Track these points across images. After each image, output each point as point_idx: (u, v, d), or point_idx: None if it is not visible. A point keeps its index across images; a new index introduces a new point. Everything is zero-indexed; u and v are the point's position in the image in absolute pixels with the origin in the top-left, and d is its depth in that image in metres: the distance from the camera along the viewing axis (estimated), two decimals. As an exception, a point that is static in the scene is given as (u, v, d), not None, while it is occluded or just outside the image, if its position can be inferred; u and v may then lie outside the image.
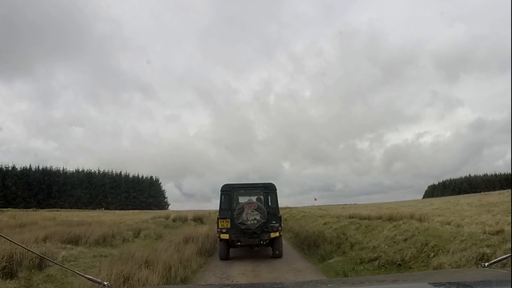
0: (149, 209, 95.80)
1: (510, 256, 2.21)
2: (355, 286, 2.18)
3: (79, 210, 72.82)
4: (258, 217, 11.62)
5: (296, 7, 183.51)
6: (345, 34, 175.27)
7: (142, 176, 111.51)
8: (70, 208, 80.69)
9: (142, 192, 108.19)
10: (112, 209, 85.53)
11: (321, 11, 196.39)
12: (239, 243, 12.19)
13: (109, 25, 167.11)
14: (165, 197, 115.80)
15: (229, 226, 12.01)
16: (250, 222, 11.58)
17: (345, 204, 54.24)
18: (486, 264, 2.23)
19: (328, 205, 73.12)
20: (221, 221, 12.18)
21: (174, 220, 28.21)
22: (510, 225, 9.10)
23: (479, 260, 6.71)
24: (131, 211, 59.65)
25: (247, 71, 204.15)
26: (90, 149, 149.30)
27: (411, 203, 57.39)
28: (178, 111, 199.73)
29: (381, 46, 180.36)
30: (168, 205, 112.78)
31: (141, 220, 28.57)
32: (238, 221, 11.63)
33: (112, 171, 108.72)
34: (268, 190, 12.78)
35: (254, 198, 13.13)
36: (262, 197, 12.89)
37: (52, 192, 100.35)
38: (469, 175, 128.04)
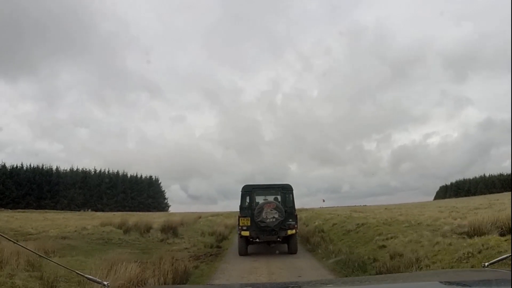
0: (148, 210, 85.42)
1: (510, 256, 2.07)
2: (355, 286, 2.09)
3: (61, 212, 60.85)
4: (276, 216, 11.72)
5: (303, 5, 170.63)
6: (352, 33, 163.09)
7: (141, 176, 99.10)
8: (62, 210, 70.67)
9: (140, 193, 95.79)
10: (107, 211, 76.60)
11: (328, 10, 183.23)
12: (257, 240, 12.13)
13: (115, 24, 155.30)
14: (165, 198, 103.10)
15: (249, 224, 12.03)
16: (269, 220, 11.67)
17: (388, 205, 40.37)
18: (486, 264, 2.05)
19: (337, 206, 63.49)
20: (242, 219, 12.18)
21: (127, 231, 15.13)
22: (511, 224, 8.40)
23: None
24: (112, 213, 47.29)
25: (254, 70, 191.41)
26: (95, 150, 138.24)
27: (443, 203, 44.14)
28: (184, 112, 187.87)
29: (389, 45, 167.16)
30: (169, 206, 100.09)
31: (75, 229, 16.96)
32: (258, 219, 11.75)
33: (109, 171, 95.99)
34: (285, 191, 12.89)
35: (270, 198, 12.99)
36: (279, 197, 12.91)
37: (43, 193, 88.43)
38: (484, 175, 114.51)
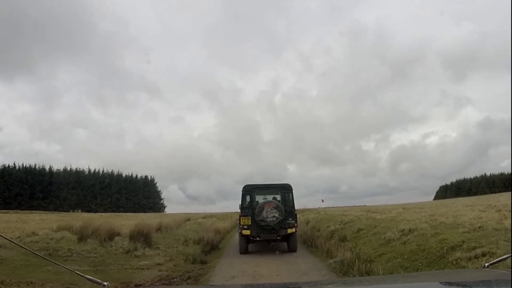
0: (143, 211, 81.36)
1: (510, 256, 2.02)
2: (355, 286, 2.09)
3: (49, 212, 56.69)
4: (277, 215, 11.63)
5: (302, 5, 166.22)
6: (352, 33, 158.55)
7: (136, 176, 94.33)
8: (54, 211, 67.10)
9: (135, 193, 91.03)
10: (101, 212, 73.03)
11: (328, 9, 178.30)
12: (258, 238, 12.07)
13: (114, 23, 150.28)
14: (161, 199, 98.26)
15: (250, 223, 11.94)
16: (270, 219, 11.61)
17: (407, 205, 35.75)
18: (486, 264, 2.01)
19: (336, 206, 59.55)
20: (242, 219, 12.08)
21: (82, 239, 10.56)
22: (511, 225, 7.96)
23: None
24: (99, 214, 42.66)
25: (253, 70, 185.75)
26: (94, 151, 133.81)
27: (468, 201, 39.66)
28: (183, 112, 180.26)
29: (389, 45, 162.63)
30: (165, 207, 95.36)
31: (19, 235, 12.74)
32: (259, 218, 11.65)
33: (103, 170, 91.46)
34: (285, 190, 12.73)
35: (270, 197, 12.98)
36: (279, 196, 12.83)
37: (36, 193, 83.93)
38: (485, 174, 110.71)
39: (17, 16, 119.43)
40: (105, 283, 1.89)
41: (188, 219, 20.40)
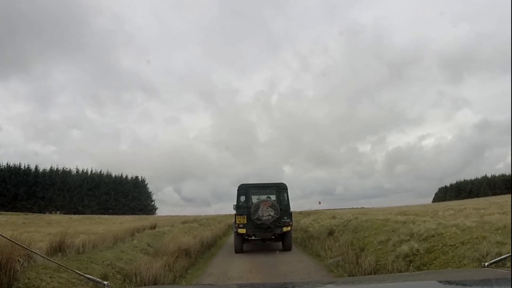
0: (133, 213, 74.42)
1: (510, 256, 2.05)
2: (355, 286, 1.99)
3: (21, 214, 49.54)
4: (272, 213, 11.55)
5: (301, 4, 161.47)
6: (350, 33, 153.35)
7: (126, 177, 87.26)
8: (39, 212, 61.22)
9: (125, 195, 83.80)
10: (88, 213, 66.19)
11: (326, 9, 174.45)
12: (253, 237, 12.09)
13: (110, 22, 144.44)
14: (152, 200, 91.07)
15: (245, 222, 11.81)
16: (265, 217, 11.51)
17: (412, 207, 28.86)
18: (486, 264, 2.00)
19: (333, 209, 54.07)
20: (238, 217, 11.97)
21: None
22: (511, 225, 7.45)
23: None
24: (69, 216, 35.30)
25: (250, 71, 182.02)
26: (89, 152, 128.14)
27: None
28: (179, 113, 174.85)
29: (386, 46, 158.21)
30: (156, 209, 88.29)
31: None
32: (255, 217, 11.58)
33: (91, 170, 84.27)
34: (280, 189, 12.63)
35: (265, 197, 12.82)
36: (274, 195, 12.64)
37: (20, 193, 76.85)
38: (486, 176, 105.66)
39: (12, 14, 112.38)
40: (105, 282, 1.88)
41: (154, 227, 13.23)
